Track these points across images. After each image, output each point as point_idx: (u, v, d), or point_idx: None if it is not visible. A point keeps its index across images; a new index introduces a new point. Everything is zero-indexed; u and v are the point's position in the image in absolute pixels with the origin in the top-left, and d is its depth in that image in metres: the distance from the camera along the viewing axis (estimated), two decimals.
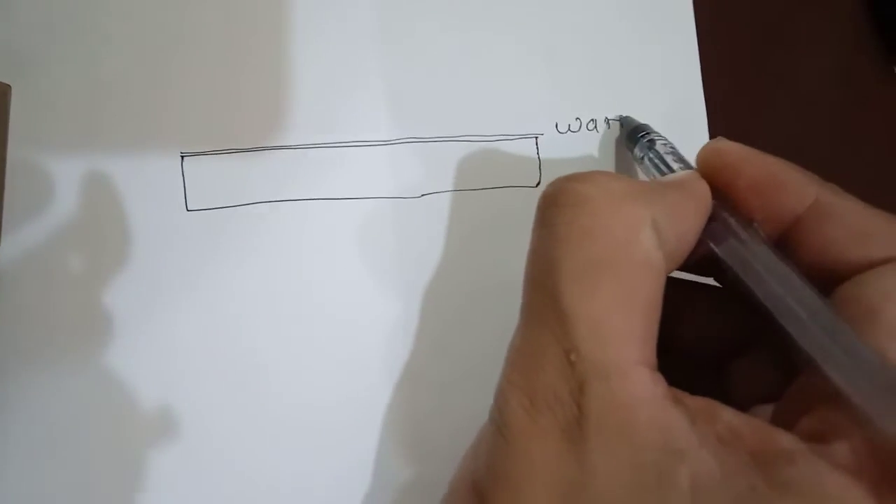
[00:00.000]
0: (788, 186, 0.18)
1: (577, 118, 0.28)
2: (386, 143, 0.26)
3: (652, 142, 0.23)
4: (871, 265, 0.16)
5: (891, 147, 0.29)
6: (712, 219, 0.18)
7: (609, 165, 0.27)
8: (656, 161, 0.22)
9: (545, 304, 0.16)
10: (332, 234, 0.25)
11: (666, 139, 0.24)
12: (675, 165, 0.22)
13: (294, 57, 0.26)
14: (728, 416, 0.15)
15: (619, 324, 0.15)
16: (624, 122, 0.27)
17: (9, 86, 0.24)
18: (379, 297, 0.25)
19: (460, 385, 0.25)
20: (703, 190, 0.19)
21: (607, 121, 0.27)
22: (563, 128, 0.27)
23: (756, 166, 0.19)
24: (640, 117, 0.27)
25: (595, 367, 0.14)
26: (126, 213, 0.24)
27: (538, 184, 0.27)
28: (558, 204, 0.17)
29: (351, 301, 0.25)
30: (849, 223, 0.17)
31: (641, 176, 0.24)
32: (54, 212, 0.24)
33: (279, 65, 0.26)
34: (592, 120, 0.28)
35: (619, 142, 0.27)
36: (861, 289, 0.16)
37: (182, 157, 0.25)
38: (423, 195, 0.26)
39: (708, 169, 0.19)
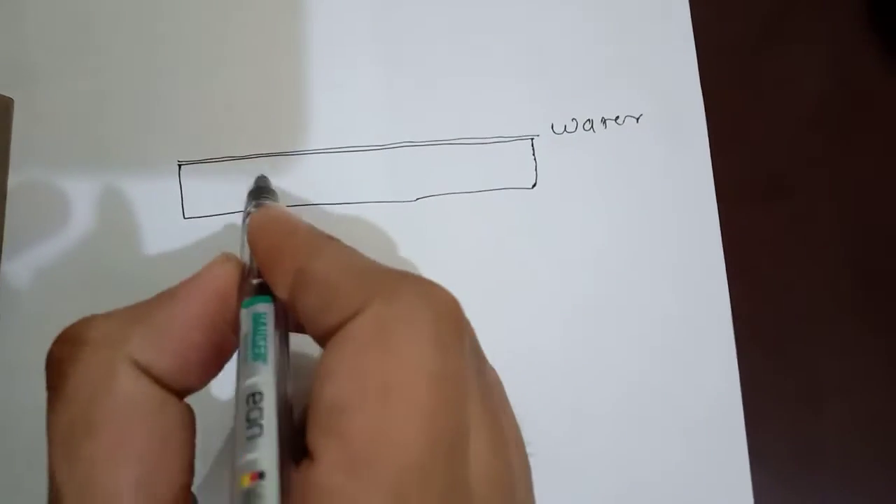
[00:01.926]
0: (283, 255, 0.17)
1: (574, 119, 0.27)
2: (381, 147, 0.26)
3: (260, 206, 0.22)
4: (330, 333, 0.14)
5: (889, 145, 0.28)
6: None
7: (605, 166, 0.27)
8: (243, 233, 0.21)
9: (48, 476, 0.15)
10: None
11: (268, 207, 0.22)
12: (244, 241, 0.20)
13: (290, 65, 0.26)
14: None
15: (104, 483, 0.14)
16: (257, 179, 0.25)
17: (11, 99, 0.25)
18: None
19: None
20: (213, 280, 0.17)
21: None
22: (559, 129, 0.27)
23: (266, 238, 0.17)
24: (637, 117, 0.27)
25: None
26: (124, 220, 0.25)
27: (534, 185, 0.27)
28: (47, 367, 0.16)
29: None
30: (319, 287, 0.15)
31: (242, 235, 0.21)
32: (54, 220, 0.24)
33: (275, 73, 0.26)
34: (589, 120, 0.27)
35: (618, 143, 0.27)
36: (319, 364, 0.14)
37: (179, 165, 0.25)
38: (418, 198, 0.26)
39: (248, 243, 0.18)
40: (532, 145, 0.27)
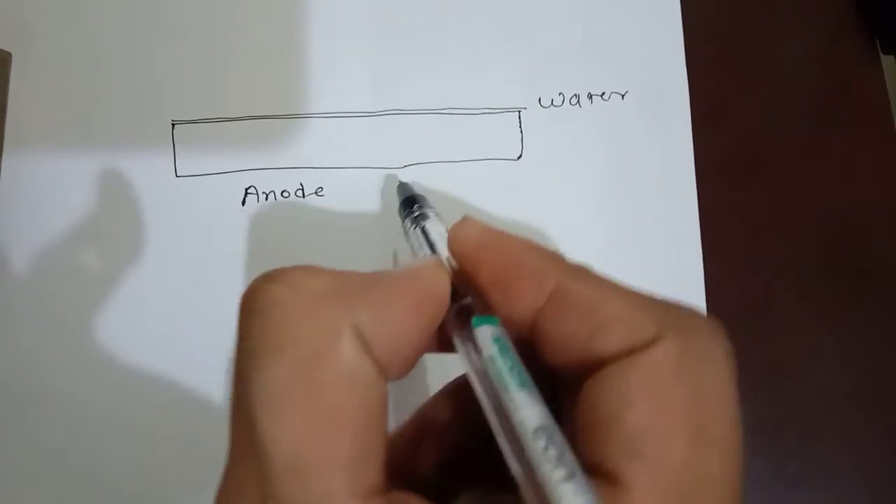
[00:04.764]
0: (526, 276, 0.16)
1: (560, 93, 0.28)
2: (372, 114, 0.27)
3: (422, 216, 0.21)
4: (611, 359, 0.14)
5: (865, 131, 0.29)
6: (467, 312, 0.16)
7: (589, 140, 0.28)
8: (420, 240, 0.20)
9: (243, 434, 0.14)
10: (318, 201, 0.26)
11: (436, 217, 0.21)
12: (439, 248, 0.19)
13: (284, 31, 0.27)
14: None
15: (320, 452, 0.13)
16: (400, 189, 0.25)
17: (10, 53, 0.25)
18: (364, 261, 0.26)
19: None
20: (432, 282, 0.16)
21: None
22: (545, 102, 0.28)
23: (495, 254, 0.16)
24: (623, 94, 0.28)
25: None
26: (118, 177, 0.25)
27: (520, 156, 0.28)
28: (251, 310, 0.14)
29: (335, 264, 0.26)
30: (586, 311, 0.15)
31: (412, 243, 0.21)
32: (47, 174, 0.25)
33: (269, 39, 0.27)
34: (575, 95, 0.28)
35: (603, 119, 0.28)
36: (599, 392, 0.14)
37: (173, 124, 0.26)
38: (406, 166, 0.27)
39: (455, 257, 0.17)
40: (519, 117, 0.28)
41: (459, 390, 0.18)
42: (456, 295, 0.16)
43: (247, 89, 0.26)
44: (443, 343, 0.17)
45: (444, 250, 0.18)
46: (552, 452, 0.13)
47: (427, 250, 0.19)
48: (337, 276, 0.15)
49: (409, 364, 0.16)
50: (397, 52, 0.27)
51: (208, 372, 0.25)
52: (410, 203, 0.23)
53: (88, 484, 0.24)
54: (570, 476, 0.12)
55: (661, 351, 0.14)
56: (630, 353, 0.14)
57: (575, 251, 0.27)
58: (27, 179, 0.25)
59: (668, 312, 0.15)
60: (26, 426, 0.24)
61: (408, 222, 0.22)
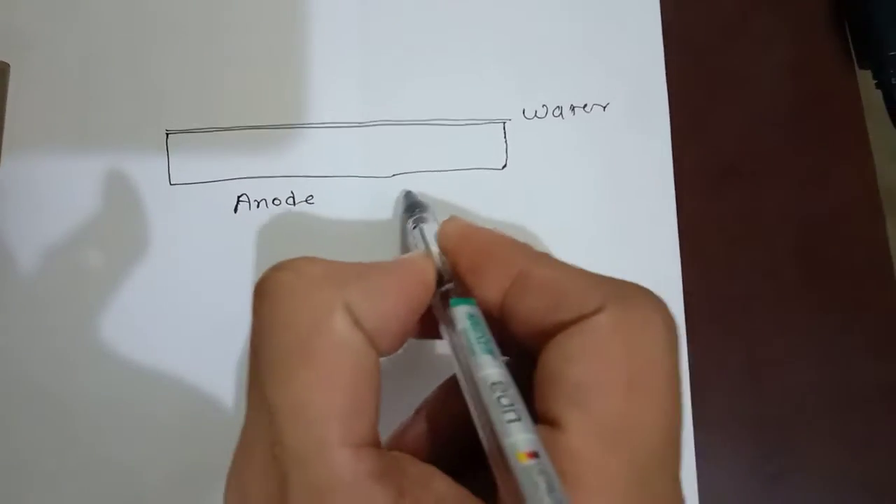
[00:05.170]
0: (495, 262, 0.18)
1: (544, 105, 0.29)
2: (361, 124, 0.28)
3: (421, 219, 0.24)
4: (563, 326, 0.16)
5: (840, 141, 0.30)
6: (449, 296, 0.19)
7: (571, 151, 0.29)
8: (417, 239, 0.23)
9: (256, 396, 0.16)
10: (308, 209, 0.27)
11: (434, 221, 0.24)
12: (431, 245, 0.22)
13: (276, 46, 0.28)
14: (442, 486, 0.16)
15: (318, 406, 0.15)
16: (406, 196, 0.27)
17: (8, 64, 0.26)
18: None
19: (426, 358, 0.27)
20: (418, 270, 0.19)
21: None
22: (529, 114, 0.29)
23: (470, 245, 0.19)
24: (604, 106, 0.29)
25: (296, 455, 0.15)
26: (113, 185, 0.26)
27: (504, 166, 0.28)
28: (260, 293, 0.17)
29: None
30: (544, 290, 0.17)
31: (410, 242, 0.24)
32: (43, 184, 0.26)
33: (261, 51, 0.27)
34: (558, 107, 0.29)
35: (585, 130, 0.29)
36: (549, 353, 0.16)
37: (167, 133, 0.26)
38: (394, 174, 0.28)
39: (442, 249, 0.20)
40: (504, 128, 0.29)
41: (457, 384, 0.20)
42: (441, 282, 0.19)
43: (240, 100, 0.27)
44: (434, 331, 0.19)
45: (435, 247, 0.21)
46: (505, 401, 0.15)
47: (422, 247, 0.22)
48: (333, 264, 0.17)
49: (399, 340, 0.18)
50: (387, 65, 0.28)
51: (199, 375, 0.25)
52: (413, 208, 0.25)
53: (88, 484, 0.25)
54: (517, 419, 0.15)
55: (602, 317, 0.16)
56: (577, 321, 0.16)
57: (557, 255, 0.28)
58: (23, 188, 0.26)
59: (614, 287, 0.17)
60: (26, 427, 0.25)
61: (409, 224, 0.24)
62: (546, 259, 0.18)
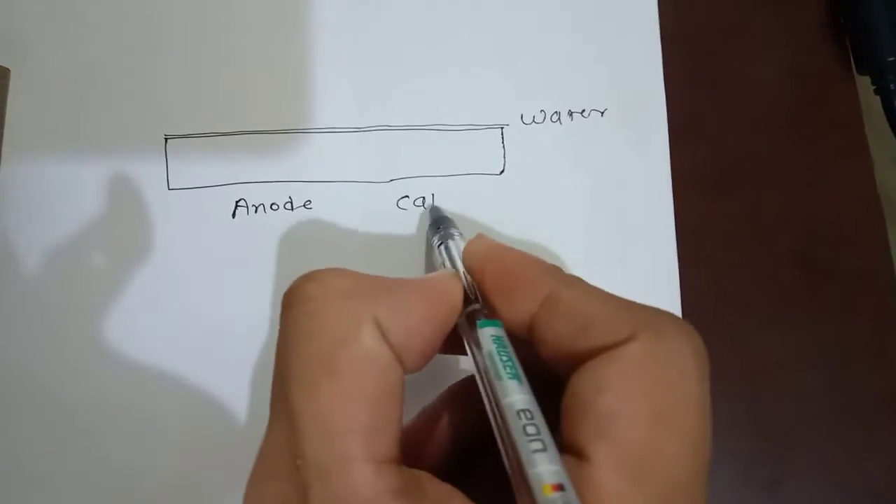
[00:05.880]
0: (523, 284, 0.18)
1: (542, 110, 0.29)
2: (358, 129, 0.28)
3: (448, 235, 0.24)
4: (592, 354, 0.16)
5: (838, 143, 0.30)
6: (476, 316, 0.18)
7: (569, 156, 0.29)
8: (444, 256, 0.23)
9: (280, 405, 0.16)
10: (306, 214, 0.27)
11: (460, 238, 0.24)
12: (457, 263, 0.22)
13: (272, 46, 0.28)
14: None
15: (342, 419, 0.15)
16: (431, 211, 0.27)
17: (8, 69, 0.26)
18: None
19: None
20: (446, 290, 0.18)
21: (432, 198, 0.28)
22: (527, 119, 0.29)
23: (497, 265, 0.19)
24: (602, 111, 0.29)
25: (317, 468, 0.15)
26: (113, 190, 0.26)
27: (502, 171, 0.28)
28: (288, 304, 0.17)
29: None
30: (573, 315, 0.17)
31: (436, 258, 0.24)
32: (42, 189, 0.26)
33: (259, 57, 0.28)
34: (556, 112, 0.29)
35: (582, 135, 0.29)
36: (578, 381, 0.16)
37: (166, 139, 0.27)
38: (392, 180, 0.28)
39: (467, 268, 0.20)
40: (502, 133, 0.29)
41: (464, 388, 0.20)
42: (468, 302, 0.19)
43: (238, 105, 0.27)
44: (458, 346, 0.19)
45: (461, 265, 0.21)
46: (531, 430, 0.15)
47: (449, 265, 0.22)
48: (362, 277, 0.17)
49: (424, 358, 0.18)
50: (384, 70, 0.28)
51: (198, 379, 0.26)
52: (438, 224, 0.25)
53: (85, 487, 0.25)
54: (543, 449, 0.14)
55: (633, 347, 0.16)
56: (607, 349, 0.16)
57: (555, 261, 0.28)
58: (22, 192, 0.26)
59: (645, 315, 0.17)
60: (25, 429, 0.25)
61: (435, 240, 0.24)
62: (575, 282, 0.18)
